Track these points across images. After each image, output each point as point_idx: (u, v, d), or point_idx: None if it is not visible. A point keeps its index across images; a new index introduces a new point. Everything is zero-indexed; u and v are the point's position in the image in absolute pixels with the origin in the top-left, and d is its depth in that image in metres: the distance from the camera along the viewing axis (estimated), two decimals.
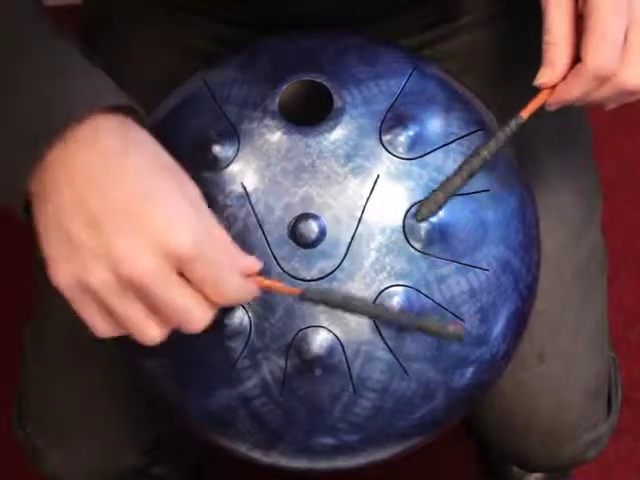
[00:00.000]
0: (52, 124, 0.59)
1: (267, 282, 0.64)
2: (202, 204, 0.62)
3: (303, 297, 0.65)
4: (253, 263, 0.63)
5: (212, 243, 0.61)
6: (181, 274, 0.61)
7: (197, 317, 0.61)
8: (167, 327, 0.62)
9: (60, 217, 0.59)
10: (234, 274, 0.62)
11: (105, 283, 0.59)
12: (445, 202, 0.67)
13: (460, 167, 0.68)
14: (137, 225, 0.59)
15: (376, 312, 0.65)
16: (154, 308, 0.61)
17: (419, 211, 0.67)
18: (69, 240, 0.59)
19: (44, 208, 0.60)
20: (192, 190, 0.62)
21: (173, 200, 0.60)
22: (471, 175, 0.68)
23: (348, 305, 0.65)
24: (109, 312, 0.61)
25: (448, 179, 0.67)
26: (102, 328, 0.62)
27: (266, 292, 0.66)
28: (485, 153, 0.68)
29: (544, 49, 0.67)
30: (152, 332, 0.61)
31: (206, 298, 0.61)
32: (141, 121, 0.64)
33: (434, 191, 0.67)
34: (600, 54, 0.64)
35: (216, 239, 0.61)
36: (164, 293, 0.60)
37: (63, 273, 0.60)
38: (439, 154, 0.69)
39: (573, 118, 0.89)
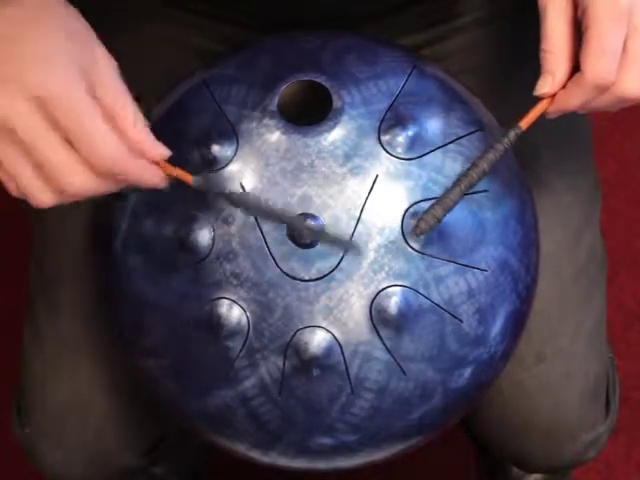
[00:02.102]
0: None
1: (168, 168, 0.64)
2: (97, 70, 0.62)
3: (201, 189, 0.65)
4: (155, 146, 0.63)
5: (88, 102, 0.60)
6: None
7: (75, 178, 0.60)
8: (53, 189, 0.61)
9: None
10: (111, 140, 0.61)
11: None
12: (444, 216, 0.66)
13: (458, 179, 0.67)
14: (16, 72, 0.59)
15: (261, 210, 0.66)
16: (39, 165, 0.60)
17: (417, 226, 0.66)
18: None
19: None
20: (84, 46, 0.62)
21: (48, 45, 0.60)
22: (470, 187, 0.67)
23: (233, 198, 0.65)
24: (4, 168, 0.61)
25: (446, 193, 0.67)
26: (7, 184, 0.62)
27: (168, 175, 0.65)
28: (484, 165, 0.67)
29: (543, 58, 0.66)
30: (40, 193, 0.61)
31: (83, 160, 0.61)
32: None
33: (432, 205, 0.66)
34: (600, 64, 0.64)
35: (101, 100, 0.61)
36: (37, 143, 0.59)
37: None
38: (438, 154, 0.69)
39: (573, 118, 0.89)
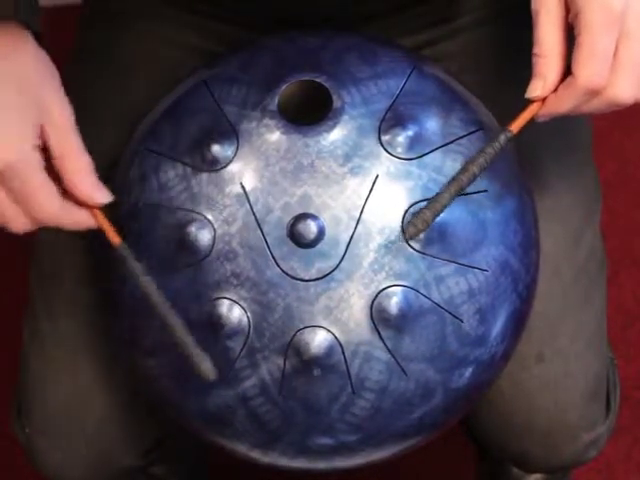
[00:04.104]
0: None
1: (100, 218, 0.69)
2: (31, 134, 0.67)
3: (117, 250, 0.69)
4: (95, 194, 0.69)
5: (28, 166, 0.67)
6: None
7: (18, 222, 0.69)
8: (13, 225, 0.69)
9: None
10: (48, 199, 0.68)
11: None
12: (434, 220, 0.66)
13: (449, 183, 0.67)
14: None
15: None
16: None
17: (407, 231, 0.66)
18: None
19: None
20: (38, 97, 0.68)
21: (5, 115, 0.66)
22: (460, 191, 0.67)
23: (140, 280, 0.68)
24: None
25: (436, 197, 0.67)
26: None
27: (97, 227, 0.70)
28: (474, 169, 0.67)
29: (534, 61, 0.67)
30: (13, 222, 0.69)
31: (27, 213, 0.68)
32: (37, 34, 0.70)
33: (422, 209, 0.66)
34: (591, 69, 0.64)
35: (35, 164, 0.67)
36: None
37: None
38: (438, 154, 0.69)
39: (573, 118, 0.89)
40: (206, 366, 0.67)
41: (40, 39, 0.70)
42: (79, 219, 0.70)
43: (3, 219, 0.69)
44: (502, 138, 0.68)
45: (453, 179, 0.67)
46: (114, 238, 0.69)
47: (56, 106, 0.68)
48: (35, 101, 0.67)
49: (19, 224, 0.69)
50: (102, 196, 0.70)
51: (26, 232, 0.70)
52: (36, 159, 0.67)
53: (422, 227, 0.66)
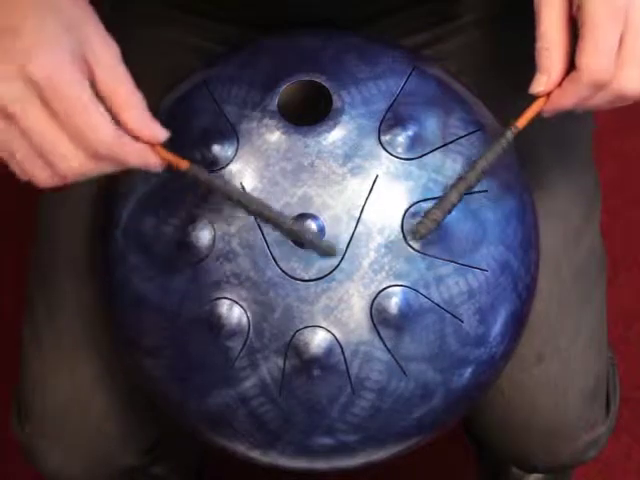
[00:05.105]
0: None
1: (162, 151, 0.64)
2: (93, 47, 0.62)
3: (191, 174, 0.65)
4: (152, 129, 0.63)
5: (72, 75, 0.60)
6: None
7: (67, 156, 0.61)
8: (52, 171, 0.62)
9: None
10: (101, 125, 0.61)
11: None
12: (443, 219, 0.66)
13: (457, 181, 0.67)
14: (11, 57, 0.60)
15: (252, 206, 0.65)
16: (32, 143, 0.61)
17: (417, 230, 0.66)
18: None
19: None
20: (81, 33, 0.62)
21: (47, 35, 0.60)
22: (468, 189, 0.67)
23: (228, 191, 0.65)
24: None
25: (445, 195, 0.67)
26: (9, 162, 0.62)
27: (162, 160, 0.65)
28: (482, 165, 0.67)
29: (538, 56, 0.66)
30: (36, 171, 0.62)
31: (76, 142, 0.61)
32: None
33: (432, 209, 0.66)
34: (596, 62, 0.64)
35: (84, 82, 0.61)
36: (27, 120, 0.60)
37: None
38: (438, 154, 0.69)
39: (573, 118, 0.89)
40: (327, 242, 0.66)
41: None
42: (140, 151, 0.63)
43: (50, 153, 0.61)
44: (509, 134, 0.68)
45: (461, 177, 0.67)
46: (182, 163, 0.64)
47: (99, 38, 0.63)
48: (76, 34, 0.62)
49: (69, 160, 0.61)
50: (160, 133, 0.63)
51: (56, 186, 0.63)
52: (83, 84, 0.61)
53: (432, 226, 0.66)
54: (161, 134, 0.64)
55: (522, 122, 0.68)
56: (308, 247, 0.66)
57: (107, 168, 0.63)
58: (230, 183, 0.66)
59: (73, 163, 0.61)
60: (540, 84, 0.66)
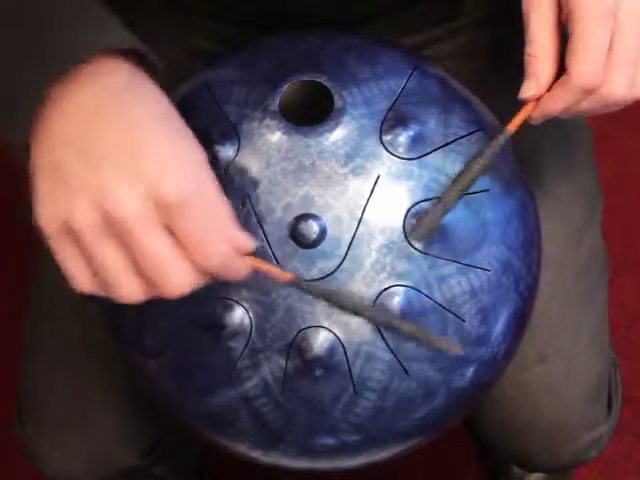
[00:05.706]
0: (56, 64, 0.58)
1: (259, 264, 0.62)
2: (203, 164, 0.60)
3: (295, 284, 0.64)
4: (247, 240, 0.61)
5: (203, 199, 0.58)
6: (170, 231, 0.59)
7: (176, 275, 0.58)
8: (145, 285, 0.59)
9: (52, 148, 0.58)
10: (221, 238, 0.59)
11: (88, 221, 0.57)
12: (440, 221, 0.67)
13: (453, 183, 0.68)
14: (130, 165, 0.57)
15: (369, 313, 0.65)
16: (135, 261, 0.58)
17: (416, 232, 0.66)
18: (59, 171, 0.58)
19: (38, 145, 0.59)
20: (195, 148, 0.60)
21: (172, 148, 0.58)
22: (464, 190, 0.67)
23: (340, 302, 0.65)
24: (90, 261, 0.59)
25: (443, 196, 0.67)
26: (81, 278, 0.59)
27: (256, 273, 0.63)
28: (476, 168, 0.68)
29: (527, 61, 0.66)
30: (128, 287, 0.59)
31: (189, 258, 0.59)
32: (153, 70, 0.63)
33: (430, 209, 0.67)
34: (585, 65, 0.64)
35: (209, 197, 0.59)
36: (145, 239, 0.57)
37: (48, 211, 0.58)
38: (439, 154, 0.69)
39: (573, 119, 0.89)
40: (449, 343, 0.65)
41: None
42: (240, 264, 0.61)
43: (159, 272, 0.58)
44: (501, 138, 0.68)
45: (456, 178, 0.68)
46: (284, 275, 0.64)
47: (198, 150, 0.61)
48: (189, 136, 0.61)
49: (181, 280, 0.58)
50: (249, 241, 0.61)
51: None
52: (213, 197, 0.60)
53: (430, 228, 0.66)
54: (251, 241, 0.62)
55: (512, 126, 0.68)
56: (424, 345, 0.66)
57: (203, 282, 0.61)
58: (349, 294, 0.65)
59: (178, 275, 0.59)
60: (529, 89, 0.67)
